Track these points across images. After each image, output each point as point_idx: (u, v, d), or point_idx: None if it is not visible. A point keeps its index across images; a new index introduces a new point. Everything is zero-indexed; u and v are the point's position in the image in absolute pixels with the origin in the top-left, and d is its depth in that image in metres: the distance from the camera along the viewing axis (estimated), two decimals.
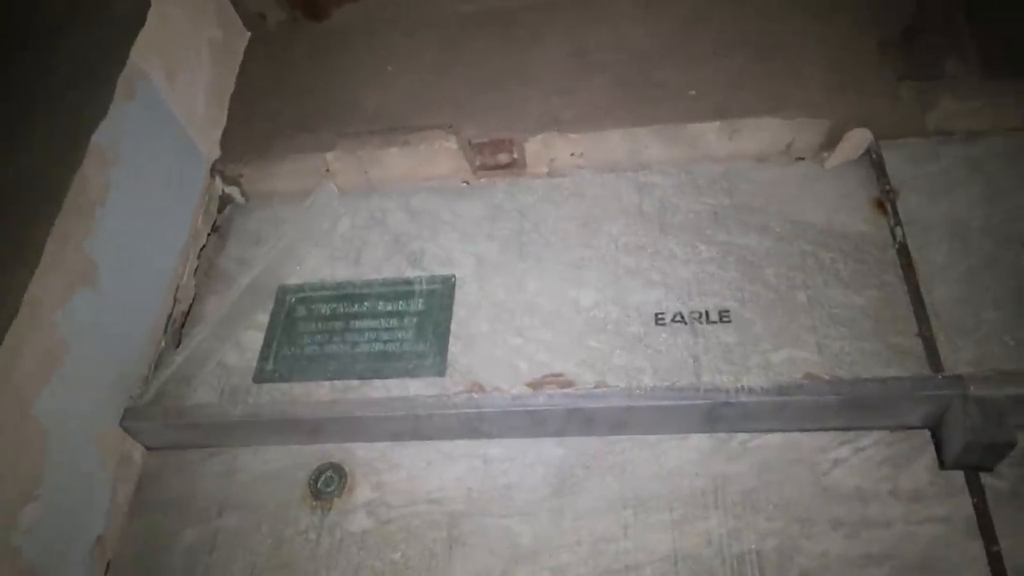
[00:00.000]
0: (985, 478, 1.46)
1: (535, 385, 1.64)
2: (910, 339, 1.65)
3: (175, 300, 1.93)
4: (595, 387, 1.60)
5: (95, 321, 1.63)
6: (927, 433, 1.53)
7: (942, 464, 1.48)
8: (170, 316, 1.91)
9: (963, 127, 1.87)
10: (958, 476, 1.47)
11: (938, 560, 1.42)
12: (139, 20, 1.85)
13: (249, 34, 2.37)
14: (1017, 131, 1.84)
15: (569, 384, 1.63)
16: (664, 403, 1.51)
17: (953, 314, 1.64)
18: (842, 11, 2.03)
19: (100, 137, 1.67)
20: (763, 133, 1.93)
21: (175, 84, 1.97)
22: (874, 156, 1.88)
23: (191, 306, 2.00)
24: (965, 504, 1.45)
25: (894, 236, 1.77)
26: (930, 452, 1.51)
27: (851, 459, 1.52)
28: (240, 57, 2.33)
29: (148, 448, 1.77)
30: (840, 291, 1.73)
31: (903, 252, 1.74)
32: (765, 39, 2.03)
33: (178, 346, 1.88)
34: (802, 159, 1.97)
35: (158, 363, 1.84)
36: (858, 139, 1.88)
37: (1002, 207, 1.76)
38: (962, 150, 1.85)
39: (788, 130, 1.92)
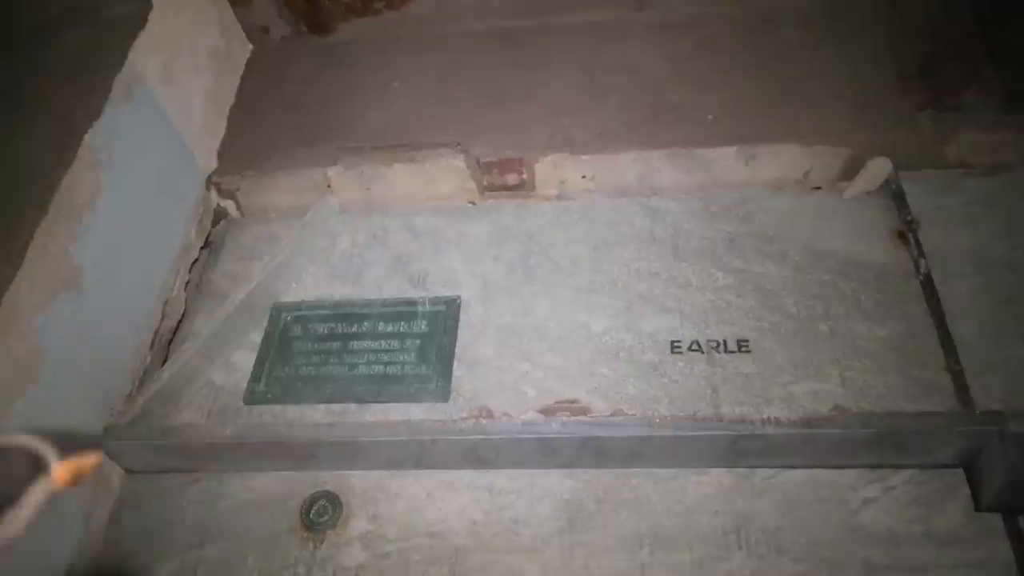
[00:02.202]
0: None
1: (547, 411, 1.55)
2: (938, 373, 1.58)
3: (163, 314, 1.83)
4: (611, 415, 1.51)
5: (77, 331, 1.52)
6: (961, 472, 1.45)
7: (977, 505, 1.40)
8: (157, 331, 1.80)
9: (983, 160, 1.83)
10: (995, 518, 1.40)
11: None
12: (139, 22, 1.78)
13: (251, 47, 2.31)
14: None
15: (583, 411, 1.54)
16: (684, 434, 1.42)
17: (981, 348, 1.58)
18: (859, 42, 2.01)
19: (93, 138, 1.59)
20: (780, 160, 1.89)
21: (173, 91, 1.89)
22: (894, 187, 1.84)
23: (180, 322, 1.90)
24: (1003, 548, 1.37)
25: (917, 268, 1.72)
26: (964, 492, 1.43)
27: (881, 498, 1.44)
28: (241, 69, 2.26)
29: (128, 471, 1.65)
30: (863, 322, 1.67)
31: (927, 284, 1.68)
32: (781, 67, 1.99)
33: (164, 363, 1.77)
34: (818, 189, 1.92)
35: (142, 380, 1.72)
36: (878, 169, 1.83)
37: None
38: (982, 183, 1.81)
39: (806, 158, 1.87)
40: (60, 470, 0.58)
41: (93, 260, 1.58)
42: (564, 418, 1.48)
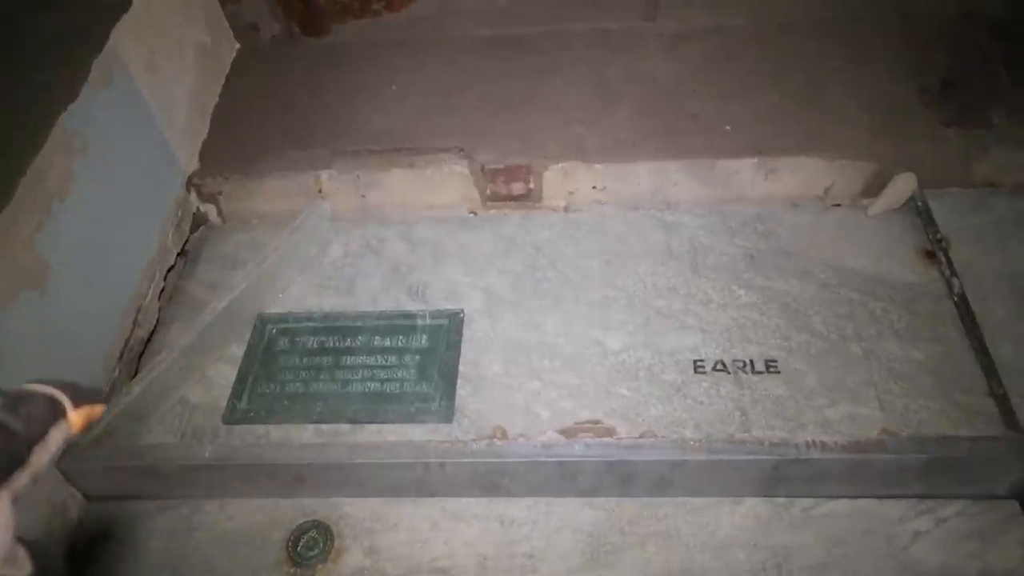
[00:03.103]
0: None
1: (568, 433, 1.41)
2: (980, 398, 1.48)
3: (135, 323, 1.65)
4: (640, 436, 1.37)
5: (38, 332, 1.34)
6: (1014, 504, 1.34)
7: None
8: (127, 341, 1.62)
9: (1011, 179, 1.77)
10: None
11: None
12: (124, 4, 1.64)
13: (238, 45, 2.18)
14: None
15: (608, 433, 1.40)
16: (721, 458, 1.29)
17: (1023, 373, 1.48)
18: (877, 58, 1.95)
19: (68, 121, 1.43)
20: (801, 174, 1.80)
21: (156, 82, 1.74)
22: (920, 204, 1.76)
23: (152, 332, 1.72)
24: None
25: (950, 287, 1.63)
26: (1020, 525, 1.31)
27: (933, 531, 1.32)
28: (227, 68, 2.12)
29: (88, 498, 1.46)
30: (896, 344, 1.57)
31: (962, 305, 1.59)
32: (800, 80, 1.92)
33: (134, 376, 1.59)
34: (838, 206, 1.84)
35: (109, 394, 1.53)
36: (904, 185, 1.75)
37: None
38: (1011, 202, 1.76)
39: (828, 172, 1.79)
40: (75, 416, 0.62)
41: (61, 256, 1.41)
42: (588, 440, 1.33)
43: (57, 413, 0.61)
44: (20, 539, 0.56)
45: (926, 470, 1.29)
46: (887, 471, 1.29)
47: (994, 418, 1.45)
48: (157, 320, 1.74)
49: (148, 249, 1.72)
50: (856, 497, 1.36)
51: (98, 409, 0.65)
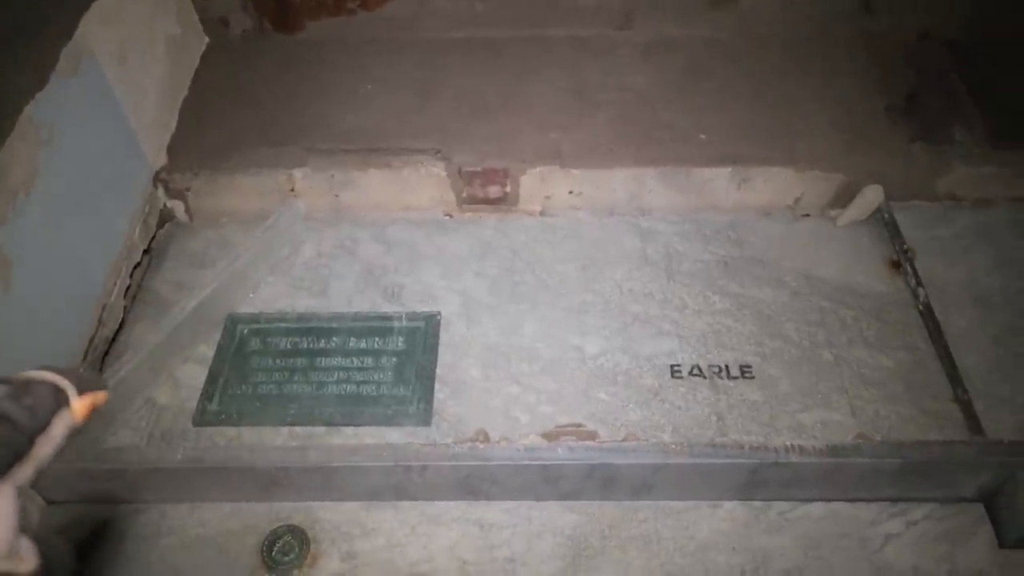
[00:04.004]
0: None
1: (550, 436, 1.40)
2: (946, 405, 1.52)
3: (99, 322, 1.59)
4: (623, 440, 1.38)
5: (1, 330, 1.29)
6: (980, 507, 1.38)
7: (1001, 542, 1.33)
8: (92, 340, 1.56)
9: (971, 193, 1.83)
10: (1022, 555, 1.32)
11: None
12: None
13: (207, 40, 2.12)
14: None
15: (591, 436, 1.40)
16: (703, 461, 1.30)
17: (986, 380, 1.53)
18: (844, 75, 2.00)
19: (35, 111, 1.37)
20: (773, 184, 1.83)
21: (125, 73, 1.69)
22: (886, 216, 1.81)
23: (117, 332, 1.66)
24: None
25: (916, 297, 1.68)
26: (986, 528, 1.36)
27: (904, 534, 1.35)
28: (196, 63, 2.07)
29: (50, 502, 1.40)
30: (866, 351, 1.61)
31: (927, 314, 1.64)
32: (772, 94, 1.96)
33: None
34: (807, 216, 1.88)
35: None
36: (872, 197, 1.80)
37: (1019, 276, 1.70)
38: (972, 216, 1.81)
39: (799, 183, 1.83)
40: (78, 404, 0.61)
41: (24, 252, 1.35)
42: (571, 443, 1.33)
43: (60, 401, 0.60)
44: (25, 533, 0.56)
45: (899, 474, 1.32)
46: (862, 475, 1.32)
47: (959, 423, 1.49)
48: (122, 319, 1.69)
49: (114, 245, 1.67)
50: (830, 500, 1.38)
51: (101, 396, 0.65)
